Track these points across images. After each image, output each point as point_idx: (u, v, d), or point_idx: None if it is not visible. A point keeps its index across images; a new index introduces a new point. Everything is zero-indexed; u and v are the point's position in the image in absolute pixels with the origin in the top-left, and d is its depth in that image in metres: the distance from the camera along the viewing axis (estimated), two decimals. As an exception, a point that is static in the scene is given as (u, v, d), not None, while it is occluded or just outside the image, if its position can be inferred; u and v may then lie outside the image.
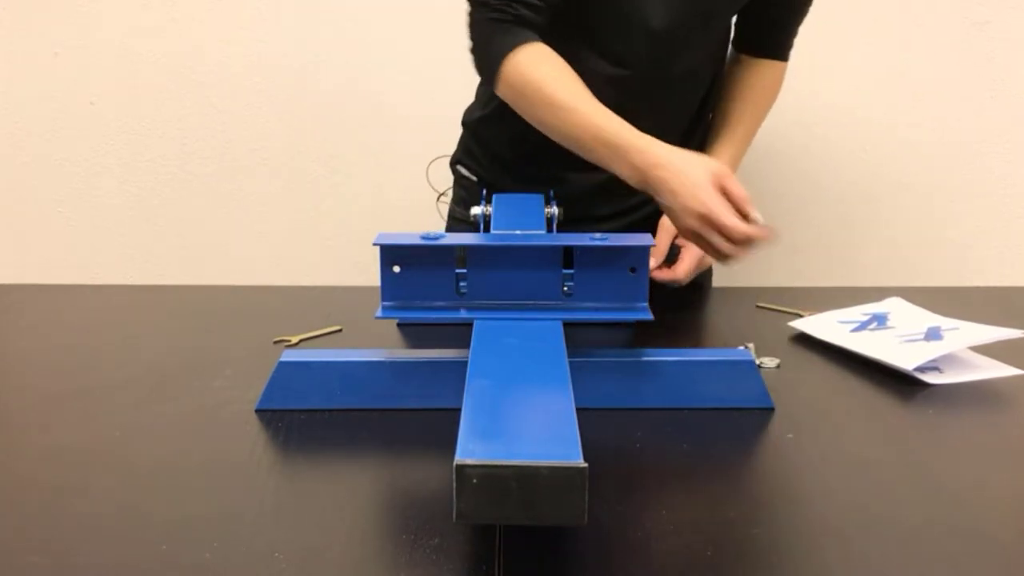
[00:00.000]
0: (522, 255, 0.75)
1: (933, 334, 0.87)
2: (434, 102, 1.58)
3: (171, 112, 1.67)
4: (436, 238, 0.74)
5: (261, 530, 0.54)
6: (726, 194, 0.84)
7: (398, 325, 0.96)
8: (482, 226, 0.94)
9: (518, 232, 0.89)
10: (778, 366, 0.84)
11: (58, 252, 1.73)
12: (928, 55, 1.66)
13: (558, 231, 0.92)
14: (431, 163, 1.04)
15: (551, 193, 0.95)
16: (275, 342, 0.90)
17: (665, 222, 1.02)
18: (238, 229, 1.73)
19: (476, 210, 0.95)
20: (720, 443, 0.68)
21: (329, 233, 1.73)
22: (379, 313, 0.74)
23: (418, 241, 0.74)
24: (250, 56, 1.65)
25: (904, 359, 0.82)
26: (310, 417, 0.72)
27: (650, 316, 0.74)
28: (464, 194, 1.17)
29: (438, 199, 1.18)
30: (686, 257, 1.02)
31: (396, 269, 0.74)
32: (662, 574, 0.50)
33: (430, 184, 1.06)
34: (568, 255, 0.75)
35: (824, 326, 0.93)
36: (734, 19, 1.12)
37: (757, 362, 0.79)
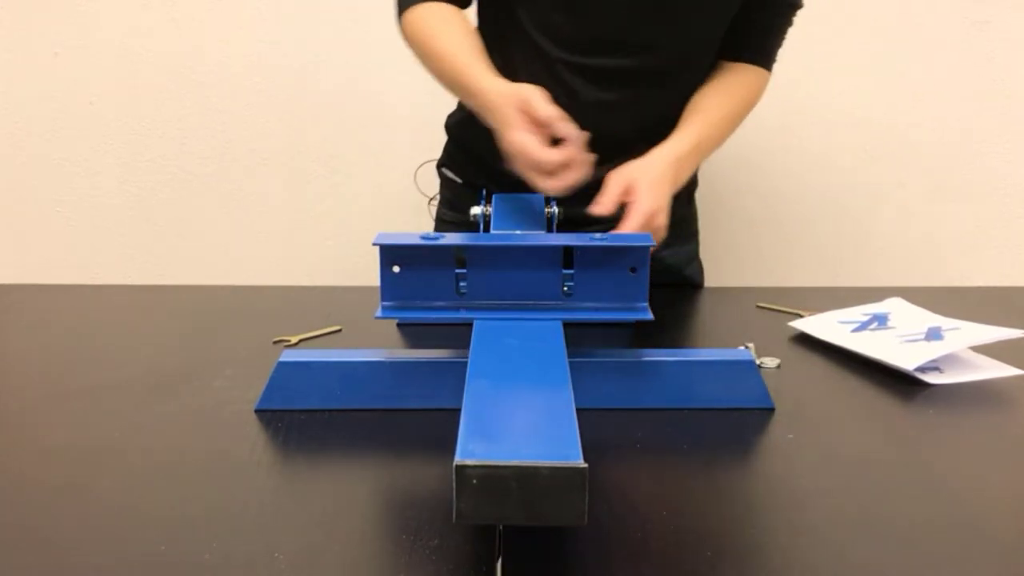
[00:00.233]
0: (522, 255, 0.75)
1: (934, 334, 0.87)
2: (435, 102, 1.58)
3: (171, 112, 1.67)
4: (436, 238, 0.74)
5: (261, 530, 0.54)
6: (533, 119, 0.86)
7: (398, 325, 0.96)
8: (482, 226, 0.94)
9: (518, 232, 0.90)
10: (778, 366, 0.84)
11: (58, 252, 1.73)
12: (928, 55, 1.66)
13: (558, 231, 0.92)
14: (419, 167, 1.05)
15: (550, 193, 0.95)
16: (275, 342, 0.90)
17: (610, 176, 0.96)
18: (238, 229, 1.73)
19: (476, 210, 0.95)
20: (720, 443, 0.68)
21: (329, 233, 1.73)
22: (379, 313, 0.74)
23: (418, 241, 0.74)
24: (250, 56, 1.65)
25: (905, 359, 0.81)
26: (310, 417, 0.72)
27: (650, 316, 0.74)
28: (450, 196, 1.17)
29: (429, 203, 1.18)
30: (630, 214, 0.94)
31: (396, 269, 0.74)
32: (662, 574, 0.50)
33: (418, 188, 1.06)
34: (568, 255, 0.75)
35: (824, 326, 0.93)
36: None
37: (757, 362, 0.79)
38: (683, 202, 1.19)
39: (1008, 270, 1.76)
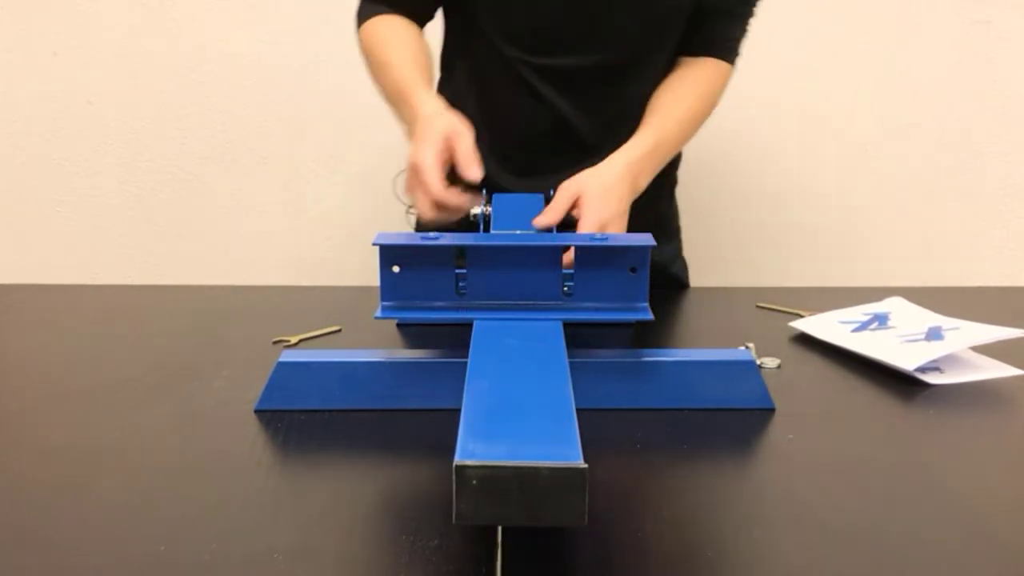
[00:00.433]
0: (522, 255, 0.75)
1: (934, 334, 0.87)
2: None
3: (171, 112, 1.67)
4: (436, 238, 0.74)
5: (260, 530, 0.54)
6: (450, 148, 0.87)
7: (398, 325, 0.96)
8: (482, 226, 0.94)
9: (518, 232, 0.90)
10: (779, 366, 0.84)
11: (58, 252, 1.73)
12: (928, 55, 1.66)
13: (558, 231, 0.92)
14: (398, 175, 1.05)
15: (551, 193, 0.95)
16: (274, 342, 0.90)
17: (563, 184, 0.96)
18: (238, 229, 1.73)
19: (476, 210, 0.95)
20: (720, 443, 0.68)
21: (328, 233, 1.73)
22: (379, 313, 0.74)
23: (418, 241, 0.74)
24: (250, 56, 1.65)
25: (905, 359, 0.81)
26: (309, 417, 0.71)
27: (650, 316, 0.74)
28: None
29: (407, 211, 1.18)
30: (579, 227, 0.92)
31: (396, 269, 0.74)
32: (662, 574, 0.50)
33: (396, 196, 1.07)
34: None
35: (825, 326, 0.93)
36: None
37: (757, 362, 0.79)
38: (664, 200, 1.19)
39: (1008, 270, 1.76)
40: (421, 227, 1.18)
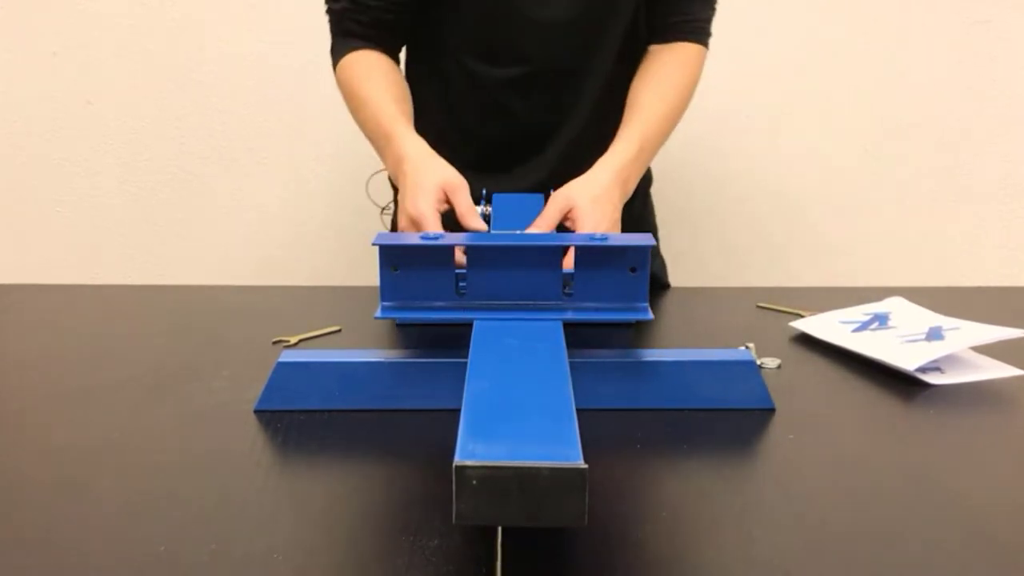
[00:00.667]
0: (522, 255, 0.75)
1: (934, 334, 0.87)
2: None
3: (171, 112, 1.67)
4: (436, 238, 0.74)
5: (260, 530, 0.54)
6: (453, 204, 0.89)
7: (397, 325, 0.96)
8: (482, 226, 0.94)
9: (518, 232, 0.90)
10: (779, 366, 0.84)
11: (58, 252, 1.73)
12: (928, 55, 1.66)
13: (558, 231, 0.92)
14: (371, 176, 1.06)
15: (551, 192, 0.95)
16: (274, 342, 0.90)
17: (553, 195, 0.96)
18: (238, 229, 1.73)
19: (477, 210, 0.95)
20: (720, 443, 0.68)
21: (328, 233, 1.73)
22: (378, 313, 0.74)
23: (417, 241, 0.74)
24: (250, 56, 1.65)
25: (905, 359, 0.81)
26: (309, 418, 0.71)
27: (650, 316, 0.74)
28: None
29: (382, 212, 1.19)
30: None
31: (395, 269, 0.74)
32: (662, 574, 0.50)
33: (370, 198, 1.08)
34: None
35: (825, 326, 0.93)
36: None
37: (758, 362, 0.79)
38: (638, 199, 1.19)
39: (1008, 270, 1.76)
40: (396, 228, 1.19)
